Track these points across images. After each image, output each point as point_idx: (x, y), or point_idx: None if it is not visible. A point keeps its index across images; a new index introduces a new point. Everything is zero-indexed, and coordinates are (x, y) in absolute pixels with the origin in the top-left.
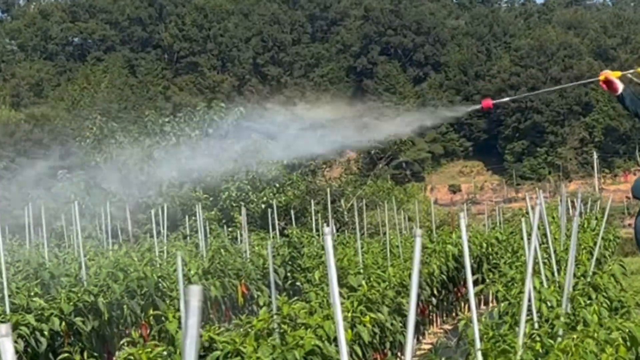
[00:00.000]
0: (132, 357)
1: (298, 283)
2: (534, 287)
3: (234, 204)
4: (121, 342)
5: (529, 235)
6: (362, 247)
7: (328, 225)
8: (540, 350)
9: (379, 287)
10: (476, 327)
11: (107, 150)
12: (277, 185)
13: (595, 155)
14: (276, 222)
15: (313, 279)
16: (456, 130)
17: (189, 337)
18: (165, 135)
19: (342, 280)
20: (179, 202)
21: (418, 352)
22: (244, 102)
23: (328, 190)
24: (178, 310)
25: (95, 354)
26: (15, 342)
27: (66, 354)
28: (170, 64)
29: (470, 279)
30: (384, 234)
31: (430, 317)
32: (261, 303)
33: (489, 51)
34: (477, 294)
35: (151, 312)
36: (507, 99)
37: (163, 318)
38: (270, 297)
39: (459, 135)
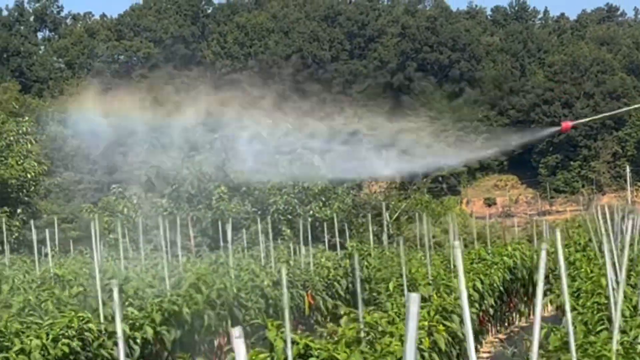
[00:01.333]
0: None
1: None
2: (607, 297)
3: (282, 217)
4: (226, 349)
5: (584, 247)
6: (423, 259)
7: (377, 236)
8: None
9: (449, 297)
10: (572, 337)
11: (158, 165)
12: (324, 198)
13: (628, 169)
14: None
15: (386, 290)
16: None
17: (409, 340)
18: (214, 151)
19: (413, 291)
20: (227, 215)
21: None
22: (283, 116)
23: (383, 204)
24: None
25: None
26: (111, 349)
27: None
28: (212, 80)
29: (565, 287)
30: (435, 245)
31: (487, 326)
32: (342, 312)
33: (523, 67)
34: (527, 304)
35: (253, 319)
36: (584, 120)
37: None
38: (334, 306)
39: None
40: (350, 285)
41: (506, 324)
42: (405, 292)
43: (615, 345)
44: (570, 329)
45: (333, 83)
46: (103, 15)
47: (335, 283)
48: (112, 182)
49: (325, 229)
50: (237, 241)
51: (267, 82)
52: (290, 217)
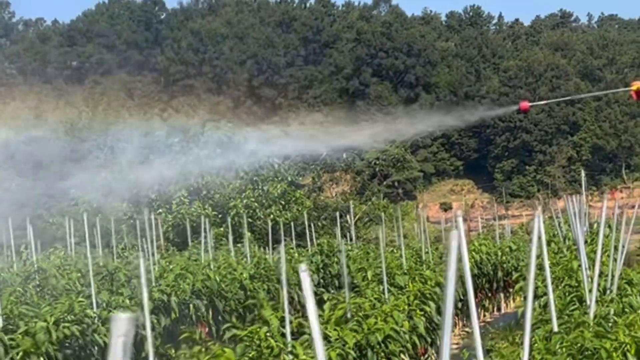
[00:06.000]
0: (250, 335)
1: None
2: (578, 281)
3: (242, 221)
4: (224, 326)
5: (549, 242)
6: (395, 252)
7: (343, 237)
8: (607, 325)
9: (424, 286)
10: (552, 305)
11: (117, 170)
12: (283, 202)
13: (582, 173)
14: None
15: (363, 279)
16: (447, 150)
17: (450, 272)
18: (174, 155)
19: (390, 280)
20: (188, 220)
21: None
22: (240, 123)
23: (351, 205)
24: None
25: (166, 349)
26: (105, 335)
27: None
28: (166, 86)
29: (547, 266)
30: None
31: (455, 319)
32: (325, 298)
33: (479, 72)
34: (491, 300)
35: (232, 310)
36: (543, 102)
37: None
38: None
39: (449, 154)
40: (321, 280)
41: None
42: (384, 279)
43: (592, 314)
44: (551, 296)
45: (288, 89)
46: (55, 21)
47: None
48: (65, 188)
49: (293, 229)
50: (199, 244)
51: (221, 88)
52: (250, 220)
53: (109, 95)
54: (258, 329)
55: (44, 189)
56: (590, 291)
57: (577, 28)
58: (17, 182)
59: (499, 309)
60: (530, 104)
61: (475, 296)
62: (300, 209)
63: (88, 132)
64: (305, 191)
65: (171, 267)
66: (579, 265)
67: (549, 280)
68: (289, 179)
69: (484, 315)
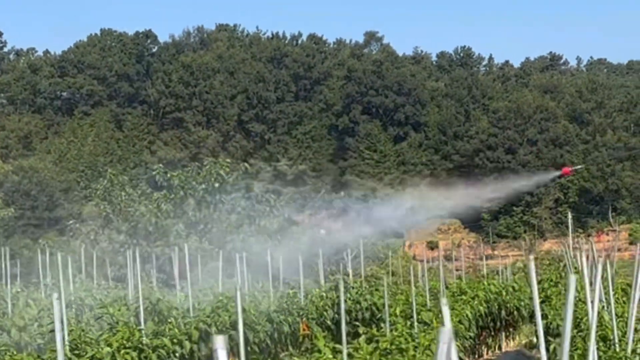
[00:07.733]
0: None
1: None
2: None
3: (239, 255)
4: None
5: (556, 283)
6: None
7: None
8: None
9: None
10: (593, 344)
11: (116, 202)
12: (279, 237)
13: (569, 215)
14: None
15: (393, 314)
16: None
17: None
18: (172, 189)
19: (417, 316)
20: (184, 253)
21: None
22: (229, 157)
23: (364, 245)
24: (256, 339)
25: None
26: None
27: None
28: (156, 119)
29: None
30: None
31: (462, 357)
32: (361, 332)
33: (468, 112)
34: (494, 339)
35: (261, 341)
36: (580, 166)
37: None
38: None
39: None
40: (336, 315)
41: (476, 356)
42: (415, 316)
43: (630, 348)
44: (593, 332)
45: (278, 124)
46: (46, 52)
47: (324, 312)
48: (52, 218)
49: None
50: (196, 277)
51: (211, 121)
52: (247, 254)
53: (99, 126)
54: (322, 356)
55: (32, 219)
56: (619, 329)
57: (566, 71)
58: (7, 212)
59: (499, 348)
60: (571, 168)
61: (481, 334)
62: (296, 244)
63: (77, 162)
64: (302, 227)
65: (204, 299)
66: (603, 307)
67: (593, 332)
68: (286, 215)
69: (487, 353)
